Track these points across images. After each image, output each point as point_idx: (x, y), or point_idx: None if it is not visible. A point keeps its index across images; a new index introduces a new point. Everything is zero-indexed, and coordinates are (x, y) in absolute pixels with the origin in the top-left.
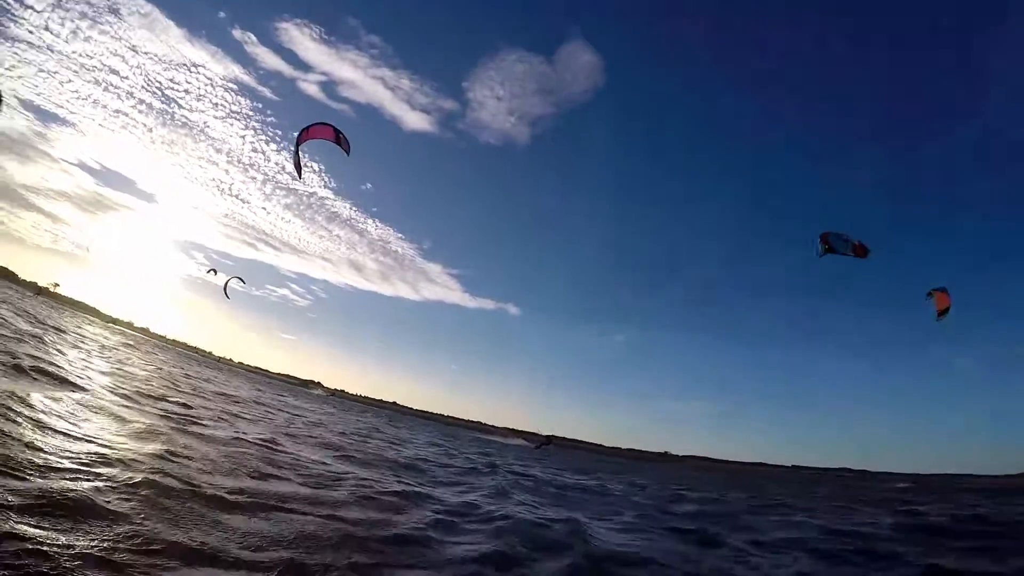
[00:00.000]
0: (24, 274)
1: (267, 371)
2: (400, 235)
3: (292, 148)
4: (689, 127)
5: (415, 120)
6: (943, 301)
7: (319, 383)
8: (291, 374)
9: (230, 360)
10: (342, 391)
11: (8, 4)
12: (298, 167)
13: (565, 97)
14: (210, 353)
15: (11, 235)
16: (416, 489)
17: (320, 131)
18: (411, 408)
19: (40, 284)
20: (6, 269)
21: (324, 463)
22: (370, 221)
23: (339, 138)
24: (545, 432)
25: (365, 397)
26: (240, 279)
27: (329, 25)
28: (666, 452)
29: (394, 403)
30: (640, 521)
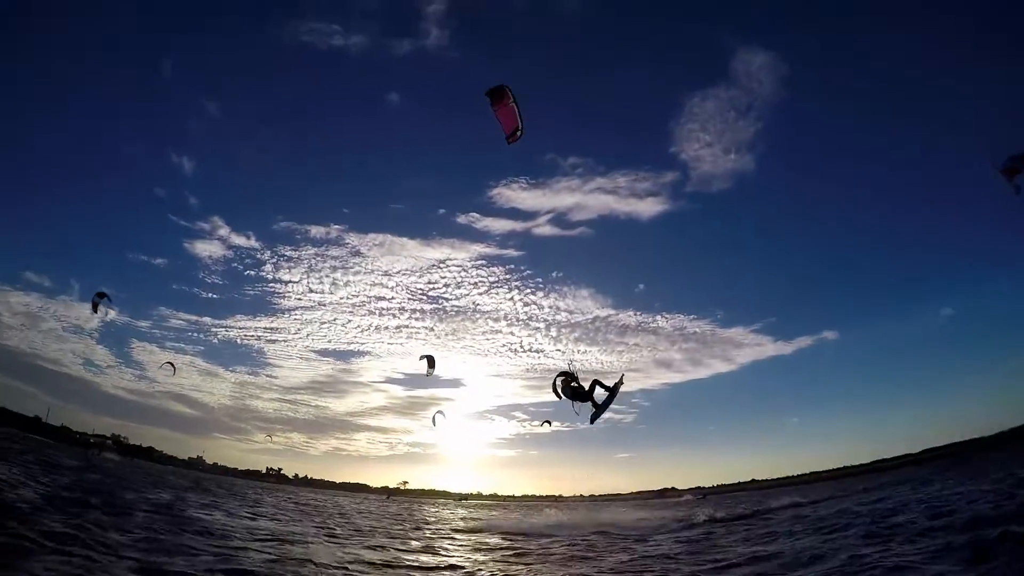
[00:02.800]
0: (375, 483)
1: (619, 494)
2: (691, 316)
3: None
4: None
5: (648, 207)
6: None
7: (673, 488)
8: (643, 489)
9: (580, 496)
10: (699, 487)
11: (273, 287)
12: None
13: (765, 105)
14: (559, 496)
15: (353, 456)
16: None
17: (508, 120)
18: (770, 479)
19: (391, 486)
20: (360, 484)
21: None
22: (658, 317)
23: (515, 134)
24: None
25: (722, 485)
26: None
27: (531, 171)
28: None
29: (752, 481)
30: None
